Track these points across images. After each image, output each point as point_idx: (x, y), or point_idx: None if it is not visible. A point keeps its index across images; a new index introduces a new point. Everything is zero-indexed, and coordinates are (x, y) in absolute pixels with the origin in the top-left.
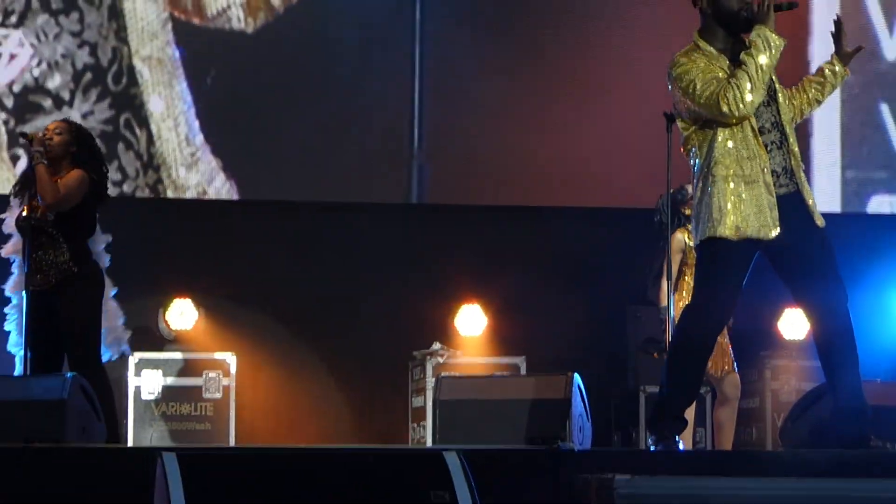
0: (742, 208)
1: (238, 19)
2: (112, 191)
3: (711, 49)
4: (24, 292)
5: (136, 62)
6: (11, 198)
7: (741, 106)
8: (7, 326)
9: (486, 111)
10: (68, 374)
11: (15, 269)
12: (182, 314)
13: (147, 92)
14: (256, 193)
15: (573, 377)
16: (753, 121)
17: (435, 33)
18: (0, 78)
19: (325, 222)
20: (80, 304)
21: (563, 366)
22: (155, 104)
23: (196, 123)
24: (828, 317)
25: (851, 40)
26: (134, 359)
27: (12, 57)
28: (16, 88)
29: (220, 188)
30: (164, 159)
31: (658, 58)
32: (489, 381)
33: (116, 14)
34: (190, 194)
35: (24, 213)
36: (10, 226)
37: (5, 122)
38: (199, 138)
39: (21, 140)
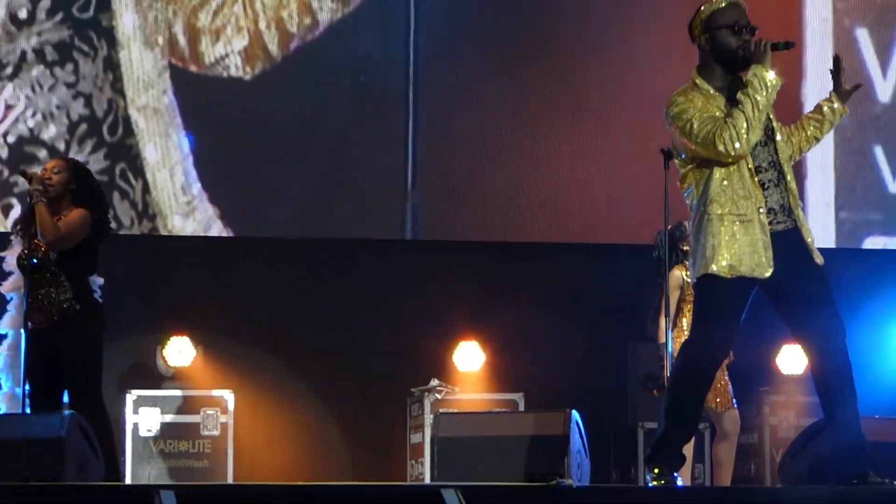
0: (736, 247)
1: (236, 67)
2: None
3: (709, 87)
4: (23, 329)
5: (132, 112)
6: (12, 236)
7: (737, 145)
8: None
9: (483, 148)
10: (67, 412)
11: (11, 307)
12: (180, 351)
13: (143, 142)
14: (255, 231)
15: (571, 413)
16: (750, 160)
17: (428, 73)
18: None
19: (323, 259)
20: (80, 342)
21: (562, 402)
22: (150, 153)
23: (193, 172)
24: (826, 353)
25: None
26: (132, 396)
27: (8, 108)
28: (10, 139)
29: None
30: (160, 209)
31: (656, 93)
32: (487, 418)
33: (112, 65)
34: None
35: (27, 252)
36: (10, 263)
37: None
38: (197, 187)
39: (21, 178)
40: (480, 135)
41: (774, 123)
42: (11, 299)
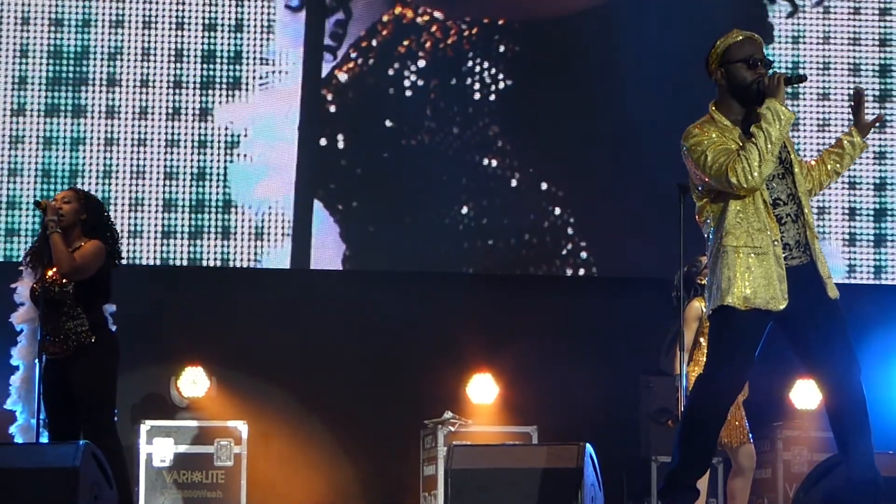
0: (751, 280)
1: None
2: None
3: (726, 121)
4: (37, 360)
5: None
6: (23, 267)
7: (749, 178)
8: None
9: (498, 181)
10: (81, 442)
11: (23, 338)
12: (194, 382)
13: None
14: (268, 263)
15: (585, 447)
16: (766, 193)
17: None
18: None
19: (337, 291)
20: (95, 373)
21: (575, 435)
22: None
23: None
24: (840, 388)
25: None
26: (146, 426)
27: None
28: None
29: None
30: None
31: (671, 127)
32: (501, 450)
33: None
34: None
35: (45, 284)
36: (22, 294)
37: None
38: None
39: (35, 209)
40: (493, 169)
41: (792, 156)
42: (22, 330)
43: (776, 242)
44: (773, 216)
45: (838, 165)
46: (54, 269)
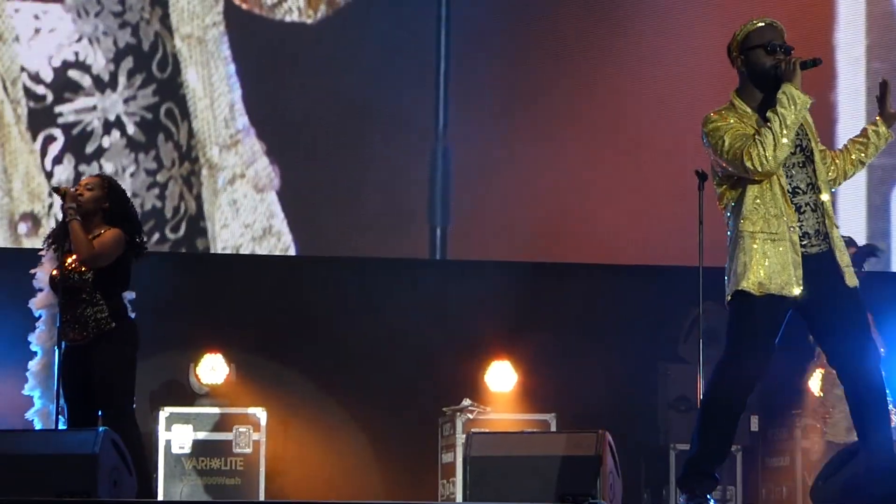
0: (766, 265)
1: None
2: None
3: (745, 107)
4: (56, 347)
5: (177, 41)
6: (42, 252)
7: (764, 162)
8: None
9: (518, 169)
10: (100, 429)
11: (41, 324)
12: (213, 369)
13: (185, 70)
14: (286, 250)
15: (604, 434)
16: (783, 179)
17: (462, 94)
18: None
19: (356, 277)
20: (115, 360)
21: (594, 423)
22: (192, 81)
23: (239, 105)
24: (859, 376)
25: (878, 30)
26: (165, 413)
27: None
28: (55, 63)
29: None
30: (200, 140)
31: (690, 115)
32: (520, 438)
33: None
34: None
35: (65, 271)
36: (41, 280)
37: (42, 97)
38: (243, 121)
39: (53, 195)
40: (513, 156)
41: (813, 145)
42: (41, 316)
43: (793, 229)
44: (791, 203)
45: (863, 155)
46: (74, 257)
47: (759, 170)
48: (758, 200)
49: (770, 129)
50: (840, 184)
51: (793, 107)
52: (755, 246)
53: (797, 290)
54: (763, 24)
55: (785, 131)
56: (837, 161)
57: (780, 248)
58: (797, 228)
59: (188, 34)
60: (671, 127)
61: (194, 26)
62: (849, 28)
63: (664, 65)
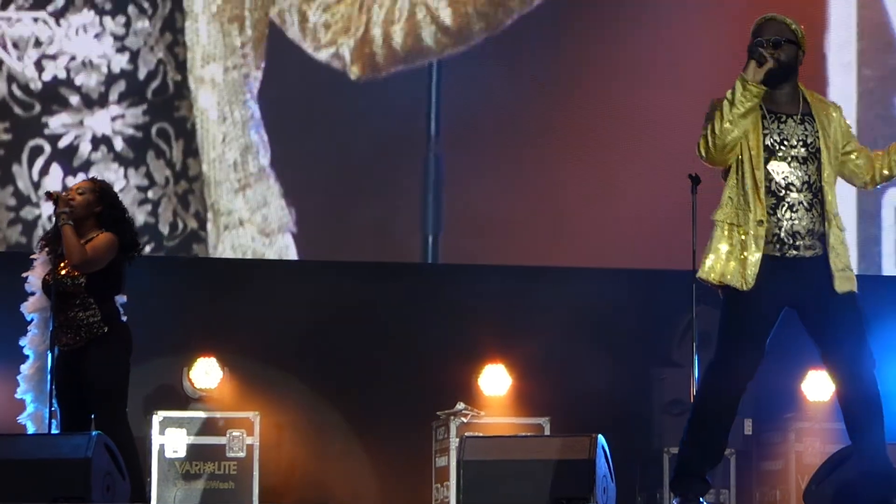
0: (725, 256)
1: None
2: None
3: None
4: (49, 351)
5: (190, 79)
6: (35, 255)
7: (705, 149)
8: (20, 394)
9: (510, 171)
10: (93, 433)
11: (33, 328)
12: (206, 373)
13: (197, 108)
14: (280, 254)
15: (598, 438)
16: (760, 174)
17: (454, 95)
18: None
19: (349, 282)
20: (108, 364)
21: (588, 427)
22: (208, 118)
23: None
24: (853, 380)
25: (869, 35)
26: (158, 417)
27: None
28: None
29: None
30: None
31: (684, 119)
32: (514, 442)
33: (172, 28)
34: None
35: (57, 276)
36: (33, 284)
37: (31, 107)
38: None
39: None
40: (504, 159)
41: (821, 143)
42: (33, 320)
43: (760, 223)
44: (762, 198)
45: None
46: (66, 262)
47: (704, 156)
48: (732, 191)
49: (711, 118)
50: (877, 183)
51: (738, 94)
52: (724, 236)
53: (747, 288)
54: (765, 19)
55: (727, 116)
56: (875, 163)
57: (743, 242)
58: (765, 223)
59: (203, 77)
60: (664, 131)
61: (211, 69)
62: (840, 33)
63: (657, 70)
